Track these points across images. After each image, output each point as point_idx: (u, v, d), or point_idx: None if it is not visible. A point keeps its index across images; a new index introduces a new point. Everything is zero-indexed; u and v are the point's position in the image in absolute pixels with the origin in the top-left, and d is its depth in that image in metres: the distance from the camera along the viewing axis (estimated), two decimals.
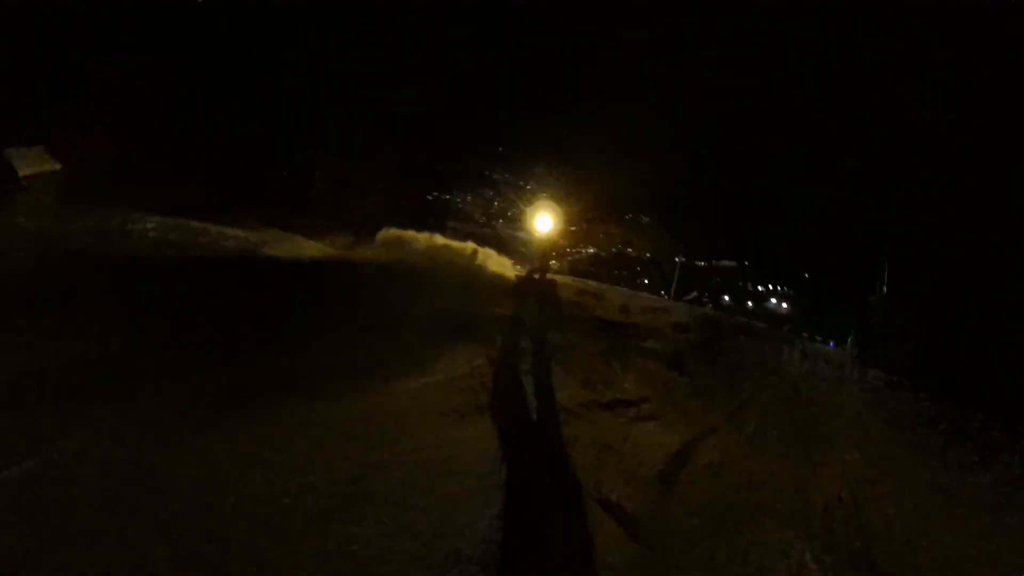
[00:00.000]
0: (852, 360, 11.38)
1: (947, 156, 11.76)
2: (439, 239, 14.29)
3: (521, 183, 23.22)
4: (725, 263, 29.57)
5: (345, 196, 15.47)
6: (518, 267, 19.02)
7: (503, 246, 21.09)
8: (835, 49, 15.35)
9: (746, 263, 29.06)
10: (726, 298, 29.43)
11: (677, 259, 28.76)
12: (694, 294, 26.09)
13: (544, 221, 24.83)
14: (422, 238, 14.02)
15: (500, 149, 21.47)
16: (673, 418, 6.30)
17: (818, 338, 19.75)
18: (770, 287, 28.91)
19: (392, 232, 14.01)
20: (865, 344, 11.46)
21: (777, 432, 6.54)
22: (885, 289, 11.47)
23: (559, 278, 13.93)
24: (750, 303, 29.31)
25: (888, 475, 6.13)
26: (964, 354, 10.55)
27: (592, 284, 14.44)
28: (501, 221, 24.21)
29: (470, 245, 14.33)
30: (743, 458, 5.78)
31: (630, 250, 32.07)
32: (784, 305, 27.93)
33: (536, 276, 13.73)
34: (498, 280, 11.91)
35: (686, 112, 20.47)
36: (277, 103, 15.68)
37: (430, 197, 19.35)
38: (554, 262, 27.93)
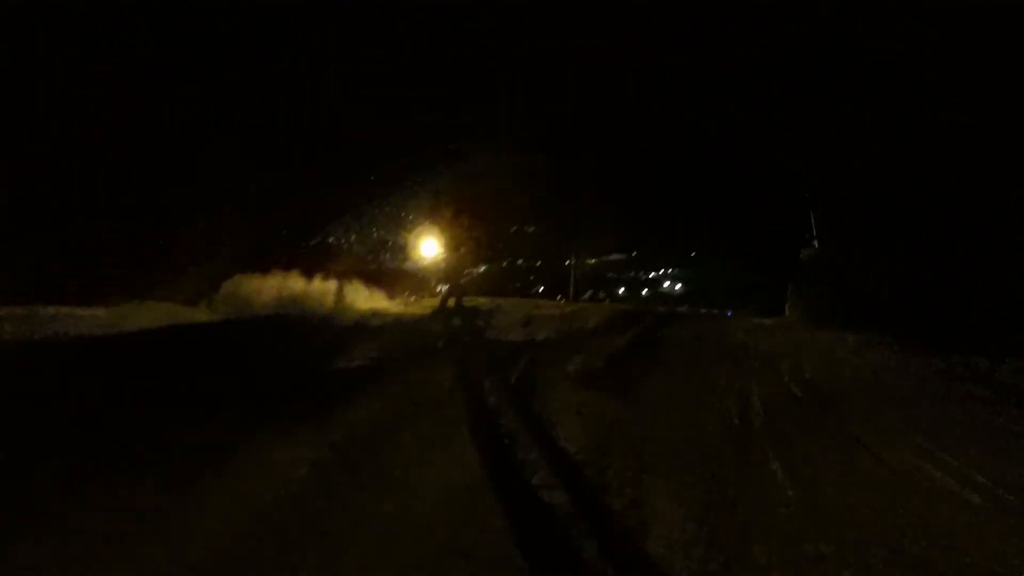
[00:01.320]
0: (797, 324, 9.09)
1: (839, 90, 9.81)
2: (296, 282, 10.73)
3: (401, 213, 20.03)
4: (615, 257, 27.87)
5: (203, 245, 11.34)
6: (408, 298, 15.75)
7: (385, 278, 17.76)
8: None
9: (634, 253, 27.49)
10: (621, 290, 27.75)
11: (568, 262, 26.84)
12: (590, 292, 24.17)
13: (429, 246, 21.76)
14: (271, 284, 10.38)
15: (372, 178, 17.89)
16: (661, 503, 3.29)
17: (715, 310, 17.84)
18: (661, 271, 27.52)
19: (233, 283, 10.28)
20: (808, 302, 9.21)
21: (810, 470, 3.73)
22: (816, 244, 9.29)
23: (447, 301, 10.77)
24: (645, 290, 27.77)
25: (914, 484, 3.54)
26: (924, 291, 8.53)
27: (485, 300, 11.35)
28: (387, 254, 20.95)
29: (332, 285, 10.89)
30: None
31: (520, 261, 29.81)
32: (678, 286, 26.54)
33: (449, 301, 10.54)
34: (366, 318, 8.58)
35: (555, 112, 18.10)
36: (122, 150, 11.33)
37: (305, 239, 15.56)
38: (442, 287, 25.00)
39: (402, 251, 20.78)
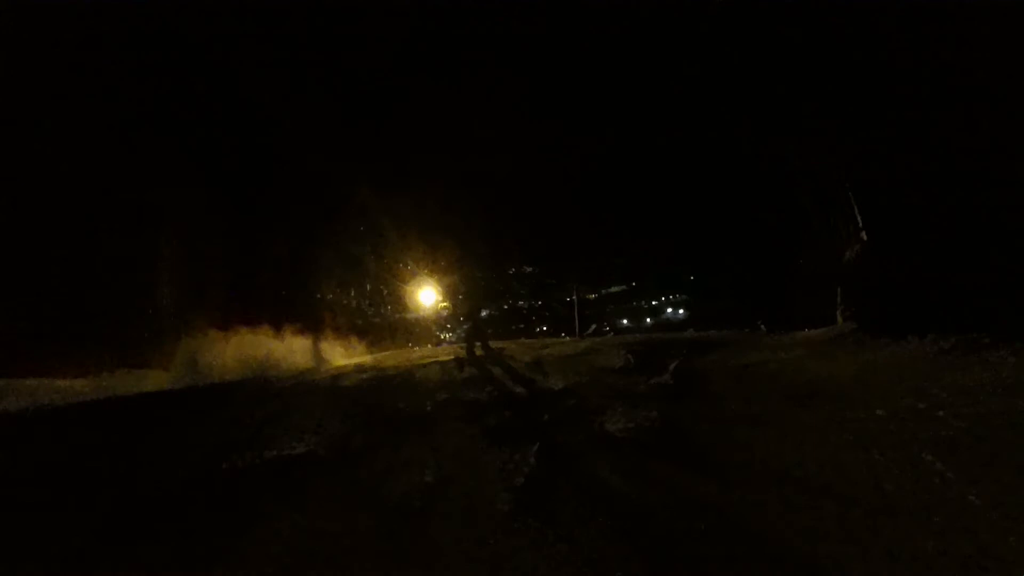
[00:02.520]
0: (851, 332, 7.03)
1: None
2: (266, 340, 8.67)
3: (399, 264, 18.27)
4: (614, 289, 26.09)
5: (177, 299, 9.11)
6: (410, 348, 13.72)
7: (377, 330, 15.78)
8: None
9: (633, 283, 25.68)
10: (624, 322, 25.87)
11: (569, 298, 25.06)
12: (593, 326, 22.28)
13: (427, 295, 19.84)
14: (235, 344, 8.28)
15: (362, 228, 16.01)
16: None
17: (728, 331, 15.75)
18: (662, 298, 25.66)
19: (191, 343, 8.16)
20: (864, 308, 7.14)
21: None
22: (865, 236, 7.31)
23: (472, 346, 8.69)
24: (648, 319, 25.84)
25: None
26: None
27: (491, 345, 9.24)
28: (389, 307, 19.02)
29: (306, 341, 8.83)
30: None
31: (521, 303, 28.08)
32: (680, 311, 24.59)
33: (476, 349, 8.49)
34: (343, 376, 6.49)
35: (540, 152, 16.42)
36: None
37: (285, 291, 13.36)
38: (446, 335, 23.00)
39: (397, 300, 18.92)
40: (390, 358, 8.68)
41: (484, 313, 24.72)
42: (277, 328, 8.88)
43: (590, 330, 21.90)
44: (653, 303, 25.77)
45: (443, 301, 21.37)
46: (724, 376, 5.31)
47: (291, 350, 8.58)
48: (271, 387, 6.01)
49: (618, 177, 17.20)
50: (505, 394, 5.16)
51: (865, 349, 6.25)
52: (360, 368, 7.31)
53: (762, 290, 12.77)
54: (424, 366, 7.06)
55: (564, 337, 18.07)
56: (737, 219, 13.52)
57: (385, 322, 16.36)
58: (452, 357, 7.89)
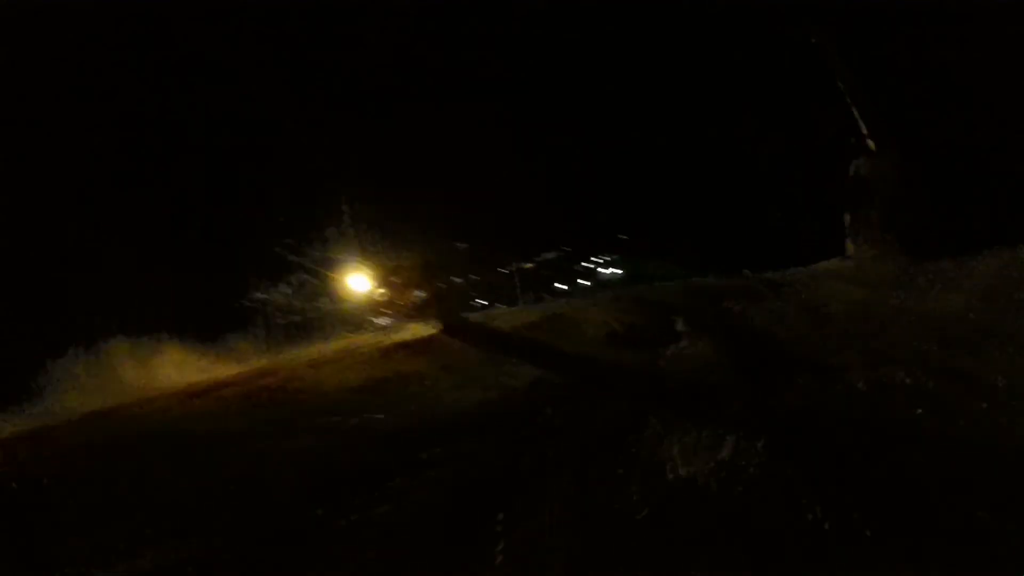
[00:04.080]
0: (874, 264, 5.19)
1: None
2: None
3: (328, 255, 15.21)
4: (547, 256, 24.26)
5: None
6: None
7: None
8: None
9: (566, 248, 23.95)
10: (558, 285, 24.09)
11: (506, 270, 22.73)
12: (531, 295, 20.26)
13: (359, 281, 17.09)
14: None
15: (282, 219, 12.68)
16: None
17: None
18: (593, 259, 24.04)
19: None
20: (905, 228, 5.30)
21: None
22: (873, 146, 5.44)
23: (356, 339, 6.20)
24: (585, 280, 24.19)
25: None
26: None
27: (422, 327, 6.63)
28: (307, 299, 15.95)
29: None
30: None
31: (459, 280, 25.67)
32: (617, 270, 23.06)
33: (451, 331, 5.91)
34: (169, 411, 3.80)
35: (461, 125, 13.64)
36: None
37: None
38: (384, 320, 20.28)
39: (324, 294, 15.94)
40: (283, 361, 5.92)
41: (420, 294, 22.16)
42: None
43: (529, 298, 19.82)
44: (585, 265, 24.14)
45: (379, 287, 18.60)
46: (787, 327, 3.20)
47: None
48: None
49: (541, 148, 14.95)
50: (446, 412, 2.78)
51: (928, 273, 4.39)
52: (222, 384, 4.56)
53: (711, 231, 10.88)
54: (322, 366, 4.53)
55: (501, 307, 15.74)
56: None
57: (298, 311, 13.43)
58: (374, 346, 5.39)
